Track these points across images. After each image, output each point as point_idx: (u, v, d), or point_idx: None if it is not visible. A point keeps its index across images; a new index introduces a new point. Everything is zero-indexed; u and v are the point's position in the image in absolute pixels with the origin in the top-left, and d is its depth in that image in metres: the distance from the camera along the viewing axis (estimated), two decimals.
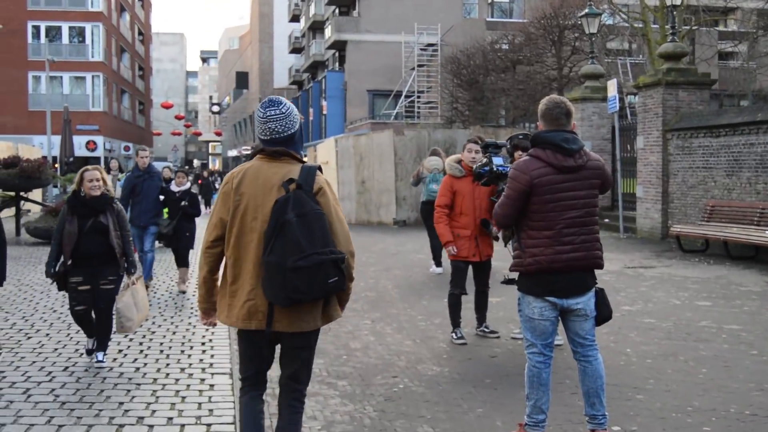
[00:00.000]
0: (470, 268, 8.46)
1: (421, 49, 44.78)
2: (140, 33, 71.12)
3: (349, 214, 26.73)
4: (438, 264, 13.57)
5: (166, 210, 12.17)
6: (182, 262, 12.23)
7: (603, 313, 5.26)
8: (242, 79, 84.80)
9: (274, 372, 4.49)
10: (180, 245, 12.16)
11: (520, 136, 8.22)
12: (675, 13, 18.07)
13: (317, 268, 3.88)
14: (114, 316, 7.45)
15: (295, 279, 3.85)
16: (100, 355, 7.47)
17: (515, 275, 5.33)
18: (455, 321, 8.42)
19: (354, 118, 47.05)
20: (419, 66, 44.35)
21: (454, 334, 8.34)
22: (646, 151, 18.47)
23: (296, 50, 67.53)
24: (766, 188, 14.98)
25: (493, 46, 33.75)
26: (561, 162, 5.00)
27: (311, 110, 56.42)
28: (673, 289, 11.49)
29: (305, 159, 4.45)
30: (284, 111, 4.21)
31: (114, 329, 7.53)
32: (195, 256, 15.64)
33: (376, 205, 25.17)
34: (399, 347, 8.11)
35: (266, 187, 4.12)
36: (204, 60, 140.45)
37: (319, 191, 4.09)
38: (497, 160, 5.87)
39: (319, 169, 4.21)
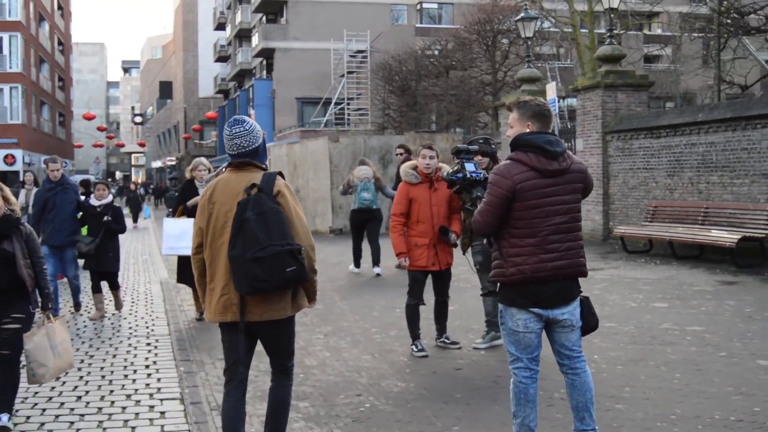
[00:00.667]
0: (429, 277, 8.16)
1: (351, 56, 44.55)
2: (60, 43, 69.25)
3: None
4: (357, 265, 14.40)
5: (85, 228, 10.81)
6: (113, 285, 10.83)
7: (589, 322, 5.00)
8: (166, 89, 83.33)
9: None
10: (102, 267, 10.57)
11: (481, 141, 7.98)
12: (612, 16, 18.10)
13: (274, 258, 4.41)
14: (24, 363, 6.09)
15: (255, 268, 4.40)
16: (4, 418, 5.84)
17: (495, 286, 5.02)
18: (414, 333, 8.10)
19: (283, 126, 46.53)
20: (349, 73, 44.10)
21: (414, 347, 8.02)
22: (585, 153, 18.47)
23: (222, 59, 66.65)
24: (708, 188, 15.06)
25: (425, 52, 33.62)
26: (545, 165, 4.72)
27: None
28: (626, 291, 11.37)
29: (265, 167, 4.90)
30: (247, 128, 4.76)
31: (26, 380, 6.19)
32: (125, 277, 14.96)
33: (311, 213, 24.72)
34: (358, 363, 7.74)
35: (233, 194, 4.68)
36: (126, 70, 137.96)
37: (278, 193, 4.63)
38: (470, 166, 5.55)
39: (281, 174, 4.76)
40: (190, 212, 9.88)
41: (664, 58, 47.24)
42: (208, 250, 4.71)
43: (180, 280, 10.45)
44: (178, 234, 9.85)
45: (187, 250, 9.30)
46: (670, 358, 7.51)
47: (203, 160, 10.51)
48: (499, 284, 4.91)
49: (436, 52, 33.60)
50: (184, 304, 11.42)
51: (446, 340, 8.28)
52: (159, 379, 7.31)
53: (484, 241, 8.02)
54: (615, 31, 19.50)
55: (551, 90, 18.89)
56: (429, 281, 8.21)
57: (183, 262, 10.13)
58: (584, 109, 18.57)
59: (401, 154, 14.69)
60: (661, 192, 16.29)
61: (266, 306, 4.58)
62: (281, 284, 4.49)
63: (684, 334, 8.50)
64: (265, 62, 52.54)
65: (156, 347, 8.67)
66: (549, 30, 34.91)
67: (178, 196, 10.63)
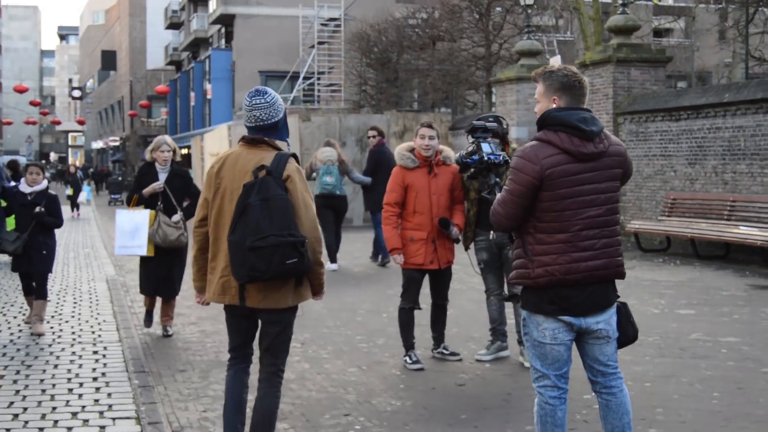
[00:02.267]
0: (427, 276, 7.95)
1: (322, 24, 44.05)
2: None
3: None
4: (333, 260, 14.15)
5: (11, 219, 9.79)
6: (38, 291, 9.62)
7: (627, 333, 4.81)
8: (109, 59, 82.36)
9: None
10: (33, 268, 9.61)
11: (491, 119, 7.74)
12: None
13: (274, 249, 4.63)
14: None
15: (253, 258, 4.65)
16: None
17: (517, 290, 4.80)
18: (408, 342, 7.89)
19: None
20: (320, 43, 43.60)
21: (407, 358, 7.80)
22: None
23: (174, 25, 65.90)
24: (734, 178, 14.96)
25: (408, 21, 33.36)
26: (579, 148, 4.50)
27: (192, 94, 55.23)
28: (645, 295, 11.22)
29: (281, 146, 5.05)
30: (269, 100, 4.96)
31: None
32: (58, 280, 14.65)
33: None
34: (343, 376, 7.51)
35: (242, 172, 4.89)
36: (62, 37, 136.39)
37: (288, 178, 4.82)
38: (487, 147, 5.32)
39: (294, 156, 4.95)
40: (147, 202, 9.16)
41: (676, 32, 47.46)
42: (213, 227, 5.02)
43: (144, 290, 9.42)
44: (132, 230, 9.08)
45: (142, 250, 9.13)
46: (705, 374, 7.34)
47: (167, 138, 9.45)
48: (522, 288, 4.69)
49: (421, 21, 33.34)
50: (135, 305, 11.13)
51: (444, 351, 8.07)
52: (109, 394, 7.03)
53: (491, 235, 7.86)
54: (627, 1, 19.36)
55: (556, 64, 18.69)
56: (425, 281, 7.99)
57: (147, 266, 9.29)
58: (593, 87, 18.40)
59: (374, 136, 14.89)
60: (681, 182, 16.18)
61: (266, 292, 4.84)
62: (280, 276, 4.73)
63: (718, 346, 8.34)
64: (223, 30, 51.96)
65: (104, 356, 8.38)
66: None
67: (134, 181, 9.72)
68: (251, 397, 5.15)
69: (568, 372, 4.69)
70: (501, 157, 5.28)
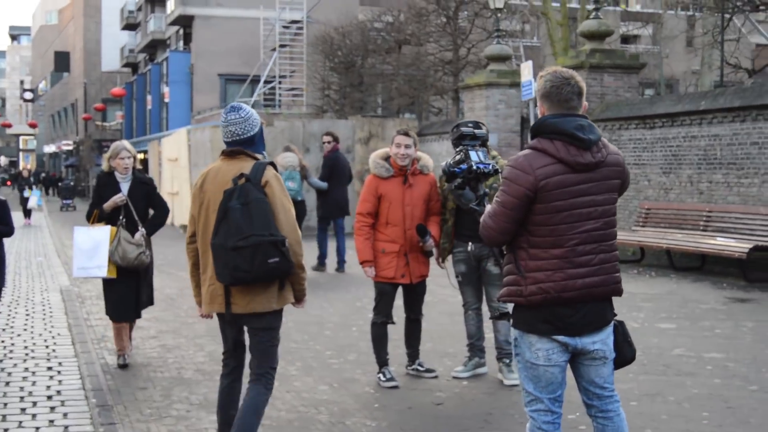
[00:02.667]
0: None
1: (284, 27, 43.82)
2: None
3: None
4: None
5: None
6: None
7: (625, 353, 4.63)
8: (62, 61, 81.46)
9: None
10: None
11: (469, 124, 7.56)
12: None
13: (255, 248, 4.91)
14: None
15: (236, 258, 4.94)
16: None
17: (508, 307, 4.60)
18: (382, 358, 7.68)
19: (203, 107, 45.62)
20: (281, 46, 43.34)
21: (381, 375, 7.59)
22: None
23: (130, 26, 65.36)
24: (710, 188, 14.93)
25: (374, 24, 33.19)
26: (575, 157, 4.31)
27: (149, 98, 54.68)
28: (622, 308, 11.03)
29: (259, 158, 5.36)
30: (243, 116, 5.27)
31: None
32: (9, 290, 14.28)
33: None
34: (314, 395, 7.29)
35: (223, 183, 5.18)
36: (14, 37, 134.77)
37: (266, 184, 5.13)
38: (475, 156, 5.11)
39: (272, 164, 5.27)
40: (110, 217, 8.37)
41: (644, 38, 47.76)
42: (200, 240, 5.31)
43: (113, 316, 8.51)
44: (90, 249, 8.27)
45: (101, 271, 8.28)
46: (691, 392, 7.20)
47: (126, 144, 8.71)
48: (513, 306, 4.50)
49: (386, 24, 33.19)
50: (92, 318, 10.82)
51: (419, 368, 7.88)
52: (65, 414, 6.77)
53: (469, 246, 7.71)
54: (599, 5, 19.31)
55: (527, 70, 18.61)
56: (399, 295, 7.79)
57: (110, 287, 8.46)
58: (538, 98, 18.28)
59: (329, 142, 15.13)
60: (655, 192, 16.13)
61: (251, 297, 5.11)
62: (263, 276, 5.01)
63: (702, 362, 8.22)
64: (182, 32, 51.52)
65: (59, 372, 8.10)
66: (514, 3, 34.79)
67: (93, 194, 8.76)
68: None
69: (563, 395, 4.51)
70: (491, 166, 5.08)
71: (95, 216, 8.46)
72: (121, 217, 8.35)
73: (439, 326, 9.91)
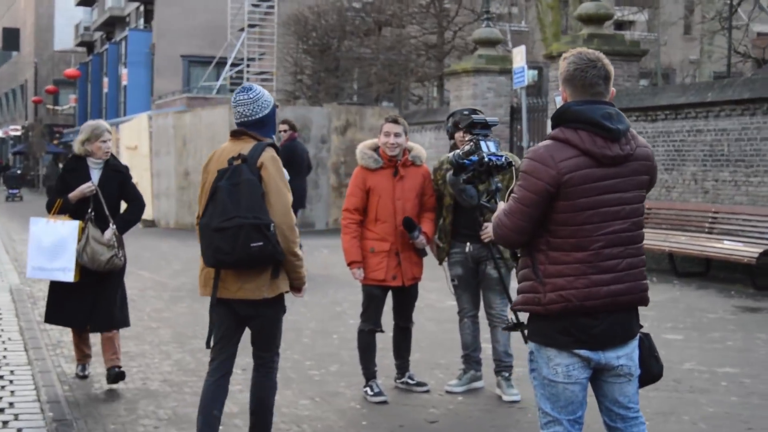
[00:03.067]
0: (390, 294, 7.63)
1: (253, 5, 43.47)
2: None
3: (167, 215, 25.39)
4: None
5: None
6: None
7: (651, 369, 4.53)
8: (11, 38, 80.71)
9: None
10: None
11: (465, 112, 7.41)
12: None
13: (238, 230, 5.06)
14: None
15: (218, 239, 5.13)
16: None
17: (522, 317, 4.45)
18: (369, 370, 7.52)
19: (164, 90, 45.29)
20: (250, 26, 43.01)
21: (368, 389, 7.43)
22: None
23: (86, 2, 64.87)
24: (715, 186, 14.86)
25: (352, 3, 32.98)
26: (602, 150, 4.16)
27: (106, 80, 54.35)
28: None
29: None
30: (252, 96, 5.46)
31: None
32: None
33: None
34: (294, 410, 7.12)
35: (223, 164, 5.35)
36: None
37: (261, 165, 5.29)
38: (486, 146, 4.95)
39: (273, 146, 5.43)
40: (75, 209, 7.67)
41: (639, 24, 47.86)
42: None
43: (50, 318, 8.06)
44: (51, 246, 7.57)
45: (66, 275, 7.53)
46: (707, 411, 7.09)
47: (106, 124, 7.95)
48: (529, 315, 4.34)
49: (365, 4, 32.98)
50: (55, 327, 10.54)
51: (410, 381, 7.71)
52: (19, 430, 6.56)
53: (467, 247, 7.53)
54: None
55: (519, 56, 18.51)
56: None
57: (58, 291, 7.82)
58: (560, 82, 18.18)
59: (285, 131, 15.09)
60: (656, 190, 16.02)
61: (241, 283, 5.27)
62: (246, 259, 5.13)
63: (716, 377, 8.11)
64: (142, 8, 51.25)
65: (11, 382, 7.87)
66: None
67: (57, 181, 8.06)
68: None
69: (583, 417, 4.36)
70: (503, 158, 4.91)
71: (58, 206, 7.70)
72: (89, 211, 7.58)
73: (427, 334, 9.75)
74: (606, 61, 4.29)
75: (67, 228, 7.55)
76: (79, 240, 7.48)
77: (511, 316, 4.67)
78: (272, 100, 5.54)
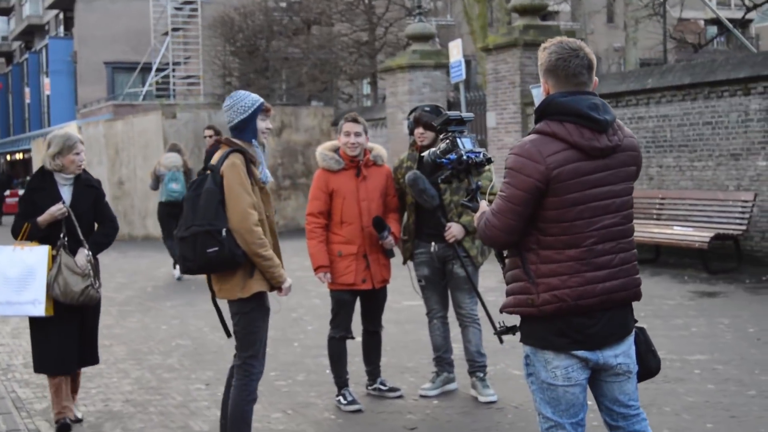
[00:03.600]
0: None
1: (176, 9, 42.97)
2: None
3: None
4: (176, 266, 15.00)
5: None
6: None
7: (649, 364, 4.44)
8: None
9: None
10: None
11: (426, 108, 7.29)
12: None
13: (194, 238, 5.38)
14: None
15: (182, 247, 5.50)
16: None
17: (514, 319, 4.30)
18: (341, 378, 7.32)
19: (89, 99, 44.55)
20: (174, 30, 42.51)
21: (341, 398, 7.23)
22: (500, 131, 18.10)
23: (2, 11, 63.64)
24: (660, 173, 14.92)
25: (279, 3, 32.65)
26: (590, 141, 4.03)
27: (27, 90, 53.42)
28: None
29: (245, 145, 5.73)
30: (228, 103, 5.72)
31: None
32: None
33: (140, 213, 23.50)
34: (268, 424, 6.90)
35: None
36: None
37: (222, 173, 5.53)
38: (463, 143, 4.78)
39: (239, 151, 5.61)
40: (46, 234, 6.79)
41: (563, 15, 48.24)
42: None
43: (43, 363, 6.95)
44: (19, 277, 6.76)
45: (37, 309, 6.68)
46: (687, 400, 7.01)
47: (77, 134, 7.14)
48: (521, 318, 4.20)
49: (292, 2, 32.66)
50: (3, 350, 10.19)
51: (382, 386, 7.54)
52: None
53: (432, 247, 7.37)
54: None
55: (456, 49, 18.41)
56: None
57: (42, 328, 6.89)
58: (497, 74, 18.18)
59: (210, 136, 15.04)
60: None
61: (220, 284, 5.60)
62: (206, 265, 5.46)
63: (688, 365, 8.06)
64: (62, 16, 50.39)
65: None
66: None
67: (22, 202, 7.03)
68: None
69: (585, 418, 4.23)
70: (481, 155, 4.75)
71: (25, 231, 6.81)
72: (62, 235, 6.74)
73: (389, 337, 9.49)
74: (588, 50, 4.17)
75: (36, 255, 6.72)
76: (50, 268, 6.67)
77: (500, 319, 4.51)
78: (253, 104, 5.65)
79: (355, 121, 7.32)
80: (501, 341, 6.19)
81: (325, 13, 29.85)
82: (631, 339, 4.28)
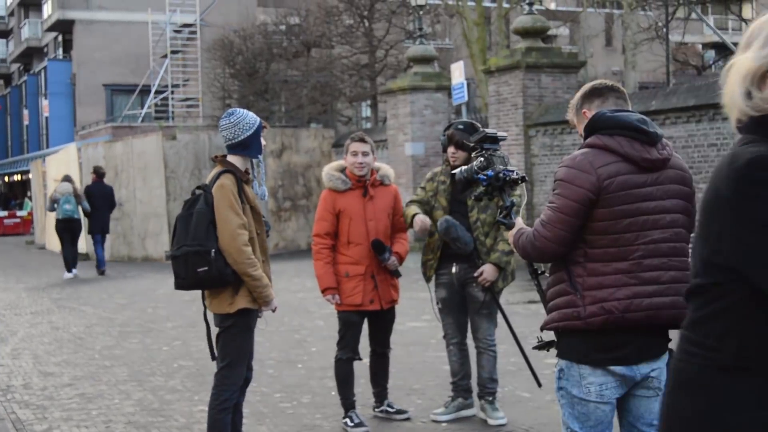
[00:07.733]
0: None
1: (175, 31, 43.07)
2: None
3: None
4: (68, 270, 18.90)
5: None
6: None
7: None
8: None
9: None
10: None
11: (460, 126, 7.10)
12: None
13: (184, 258, 5.56)
14: None
15: (174, 266, 5.68)
16: None
17: (551, 334, 4.20)
18: (348, 400, 7.17)
19: (87, 121, 44.54)
20: (173, 53, 42.60)
21: (348, 420, 7.08)
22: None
23: (1, 33, 63.66)
24: None
25: (278, 26, 32.66)
26: (641, 153, 4.01)
27: (26, 112, 53.30)
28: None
29: (244, 162, 5.90)
30: (232, 120, 5.76)
31: None
32: None
33: (139, 234, 23.38)
34: None
35: None
36: None
37: (212, 193, 5.64)
38: (498, 162, 4.69)
39: (230, 172, 5.70)
40: None
41: (561, 39, 48.35)
42: None
43: None
44: None
45: None
46: None
47: None
48: (560, 332, 4.13)
49: (293, 25, 32.65)
50: (2, 371, 10.02)
51: (389, 409, 7.38)
52: None
53: (453, 268, 7.18)
54: (507, 5, 19.18)
55: (458, 71, 18.37)
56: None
57: None
58: (499, 96, 18.11)
59: (93, 176, 19.56)
60: None
61: (211, 299, 5.78)
62: (196, 283, 5.67)
63: None
64: (61, 38, 50.37)
65: None
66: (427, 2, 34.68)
67: None
68: None
69: None
70: (515, 173, 4.65)
71: None
72: None
73: (395, 359, 9.34)
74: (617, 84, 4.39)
75: None
76: None
77: (540, 334, 4.41)
78: (256, 121, 5.79)
79: (362, 140, 7.19)
80: (539, 384, 6.09)
81: (325, 35, 29.85)
82: (665, 358, 4.17)
